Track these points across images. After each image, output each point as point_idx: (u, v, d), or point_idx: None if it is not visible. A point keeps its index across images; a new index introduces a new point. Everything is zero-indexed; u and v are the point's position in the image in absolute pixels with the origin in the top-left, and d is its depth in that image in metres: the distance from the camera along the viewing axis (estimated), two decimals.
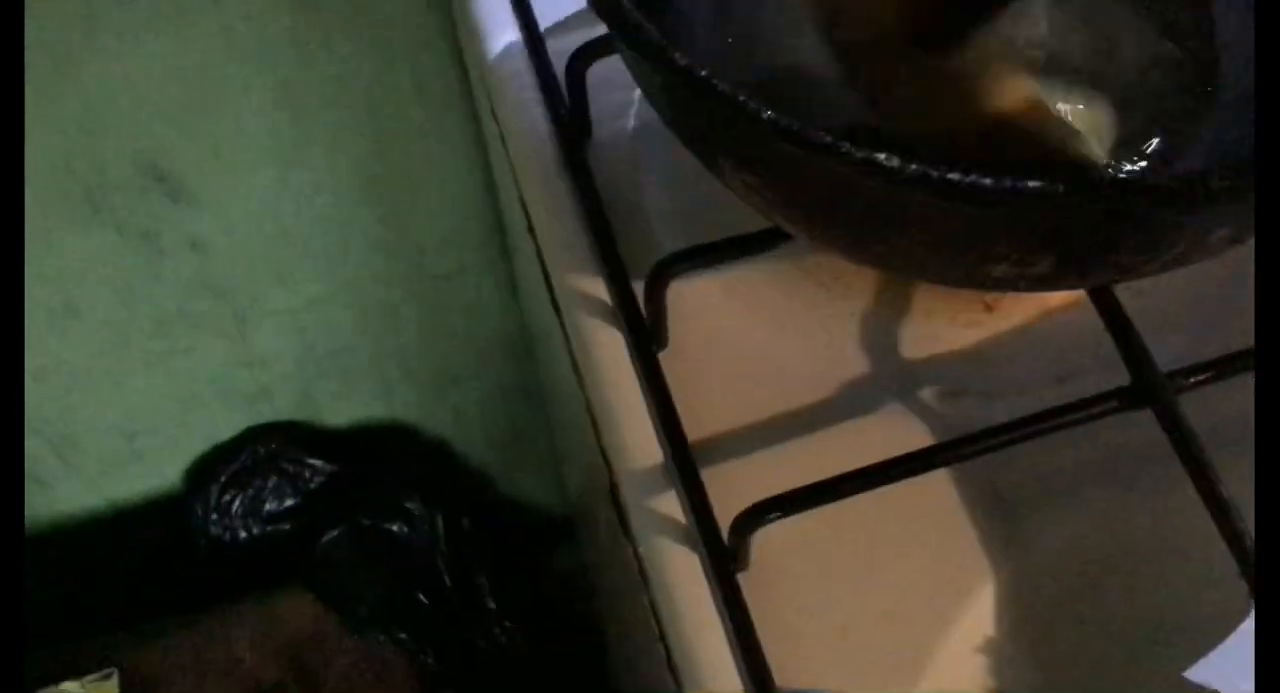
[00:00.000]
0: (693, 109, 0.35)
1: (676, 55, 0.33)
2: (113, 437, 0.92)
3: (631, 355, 0.45)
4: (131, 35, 0.67)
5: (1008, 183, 0.30)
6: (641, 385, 0.45)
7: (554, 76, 0.50)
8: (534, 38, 0.51)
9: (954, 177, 0.30)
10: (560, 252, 0.48)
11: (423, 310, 0.92)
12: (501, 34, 0.52)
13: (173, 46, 0.68)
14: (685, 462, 0.42)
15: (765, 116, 0.31)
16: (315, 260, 0.85)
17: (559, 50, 0.50)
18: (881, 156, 0.31)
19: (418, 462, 1.03)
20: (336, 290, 0.88)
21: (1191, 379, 0.40)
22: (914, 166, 0.30)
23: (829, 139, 0.31)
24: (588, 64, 0.47)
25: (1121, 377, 0.41)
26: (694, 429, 0.44)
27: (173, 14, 0.67)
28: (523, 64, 0.51)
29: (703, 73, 0.32)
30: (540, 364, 0.87)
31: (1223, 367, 0.40)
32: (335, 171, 0.78)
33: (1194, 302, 0.45)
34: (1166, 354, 0.41)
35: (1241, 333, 0.42)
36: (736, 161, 0.35)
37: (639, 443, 0.44)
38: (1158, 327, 0.42)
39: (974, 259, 0.34)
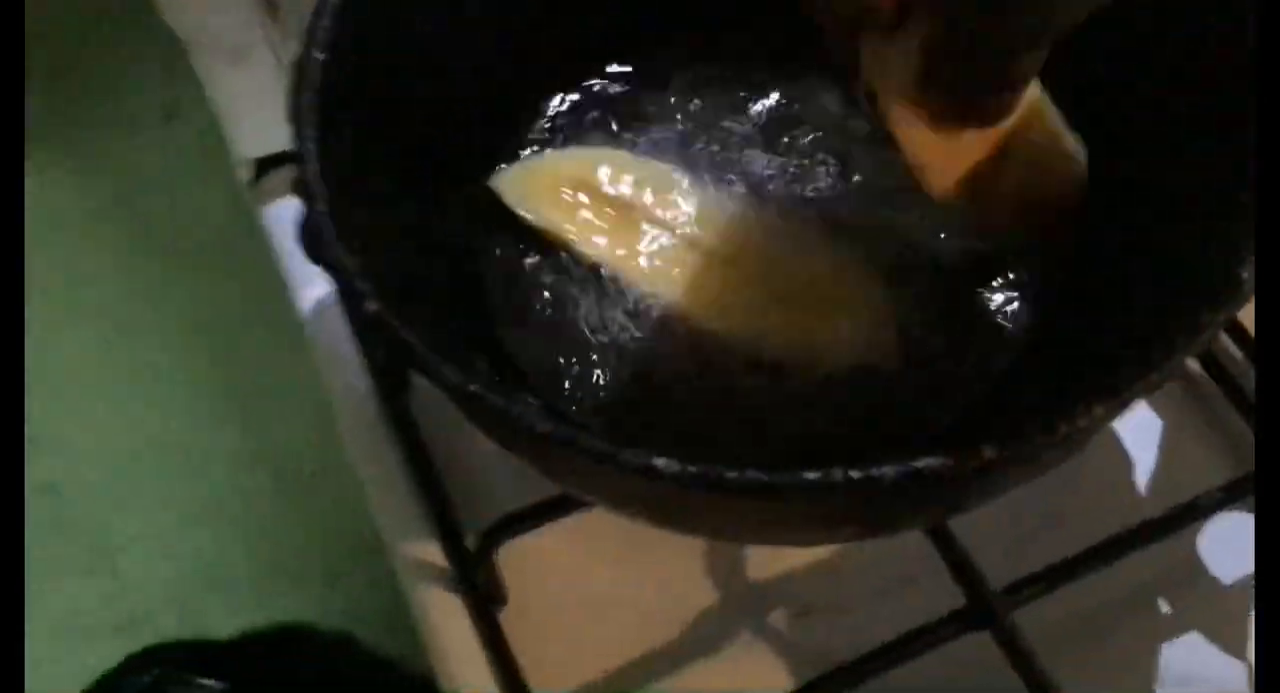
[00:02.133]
0: (474, 417, 0.34)
1: (448, 370, 0.32)
2: None
3: (471, 619, 0.44)
4: None
5: (787, 478, 0.30)
6: (484, 650, 0.43)
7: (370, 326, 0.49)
8: (346, 292, 0.50)
9: (732, 475, 0.30)
10: (391, 513, 0.47)
11: (295, 512, 0.90)
12: (312, 286, 0.52)
13: None
14: None
15: (540, 430, 0.31)
16: (175, 482, 0.82)
17: None
18: (660, 462, 0.30)
19: (317, 662, 0.99)
20: (202, 507, 0.85)
21: (1026, 593, 0.40)
22: (693, 469, 0.30)
23: (604, 447, 0.30)
24: None
25: None
26: (542, 689, 0.42)
27: None
28: (335, 318, 0.50)
29: (472, 387, 0.32)
30: None
31: (1052, 578, 0.40)
32: (184, 396, 0.77)
33: (1025, 506, 0.45)
34: (1001, 561, 0.41)
35: (1075, 534, 0.42)
36: (533, 463, 0.34)
37: None
38: (990, 535, 0.42)
39: (778, 533, 0.34)
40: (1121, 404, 0.31)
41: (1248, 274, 0.32)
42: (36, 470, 0.76)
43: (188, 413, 0.77)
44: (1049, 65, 0.32)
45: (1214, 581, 0.45)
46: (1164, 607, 0.45)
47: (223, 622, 0.94)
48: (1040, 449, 0.31)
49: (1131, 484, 0.47)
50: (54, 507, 0.78)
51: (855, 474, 0.30)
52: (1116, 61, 0.40)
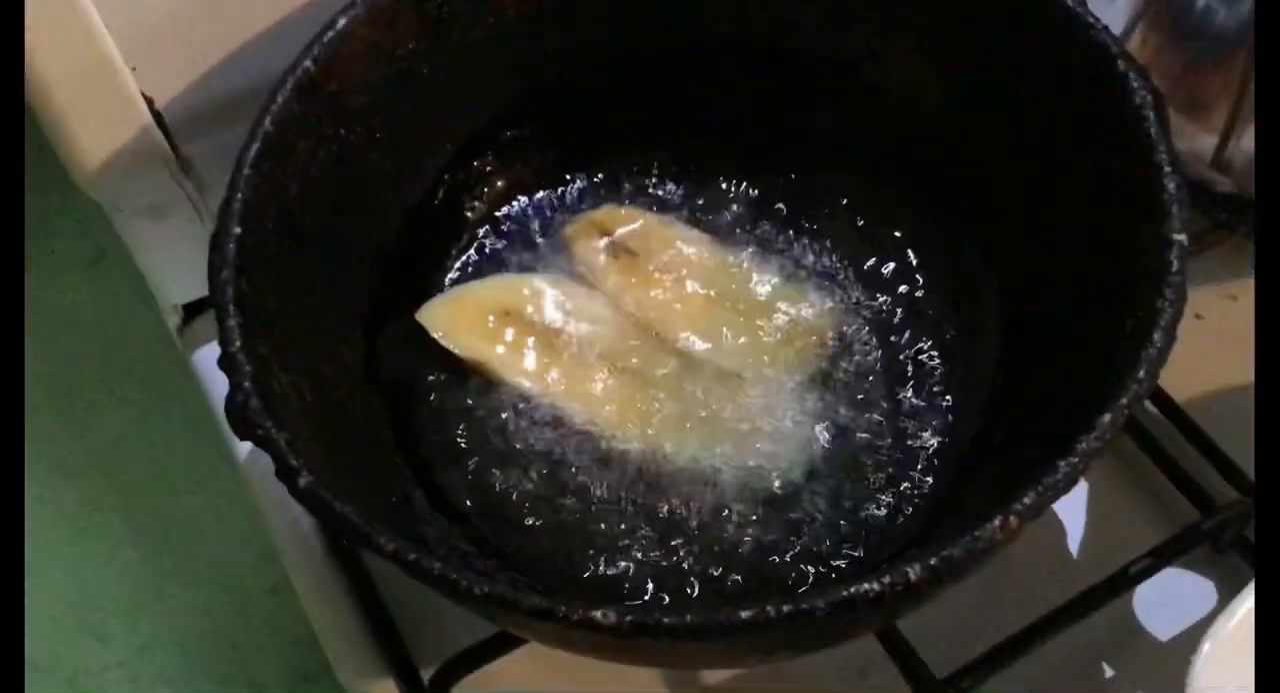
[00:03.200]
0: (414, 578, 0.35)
1: (382, 539, 0.33)
2: None
3: None
4: None
5: (722, 619, 0.31)
6: None
7: None
8: None
9: (668, 620, 0.31)
10: (343, 655, 0.47)
11: (257, 625, 0.89)
12: None
13: None
14: None
15: (479, 593, 0.32)
16: (131, 610, 0.82)
17: None
18: (597, 614, 0.31)
19: None
20: (161, 631, 0.85)
21: (969, 680, 0.41)
22: (630, 619, 0.31)
23: (542, 604, 0.31)
24: None
25: None
26: None
27: None
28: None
29: (410, 556, 0.32)
30: None
31: (994, 661, 0.42)
32: (130, 527, 0.76)
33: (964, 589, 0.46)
34: (945, 648, 0.43)
35: (1005, 615, 0.43)
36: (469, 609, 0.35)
37: None
38: (935, 622, 0.43)
39: (722, 661, 0.34)
40: (1037, 510, 0.33)
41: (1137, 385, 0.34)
42: None
43: (136, 546, 0.76)
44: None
45: (1152, 639, 0.46)
46: (1107, 670, 0.46)
47: None
48: (965, 563, 0.32)
49: (1065, 550, 0.48)
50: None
51: (788, 609, 0.31)
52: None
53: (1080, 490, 0.49)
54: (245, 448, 0.52)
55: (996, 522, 0.32)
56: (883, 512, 0.42)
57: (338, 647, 0.47)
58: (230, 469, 0.72)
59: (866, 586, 0.31)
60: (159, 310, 0.59)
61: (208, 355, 0.54)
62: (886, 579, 0.31)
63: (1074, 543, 0.48)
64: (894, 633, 0.42)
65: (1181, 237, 0.36)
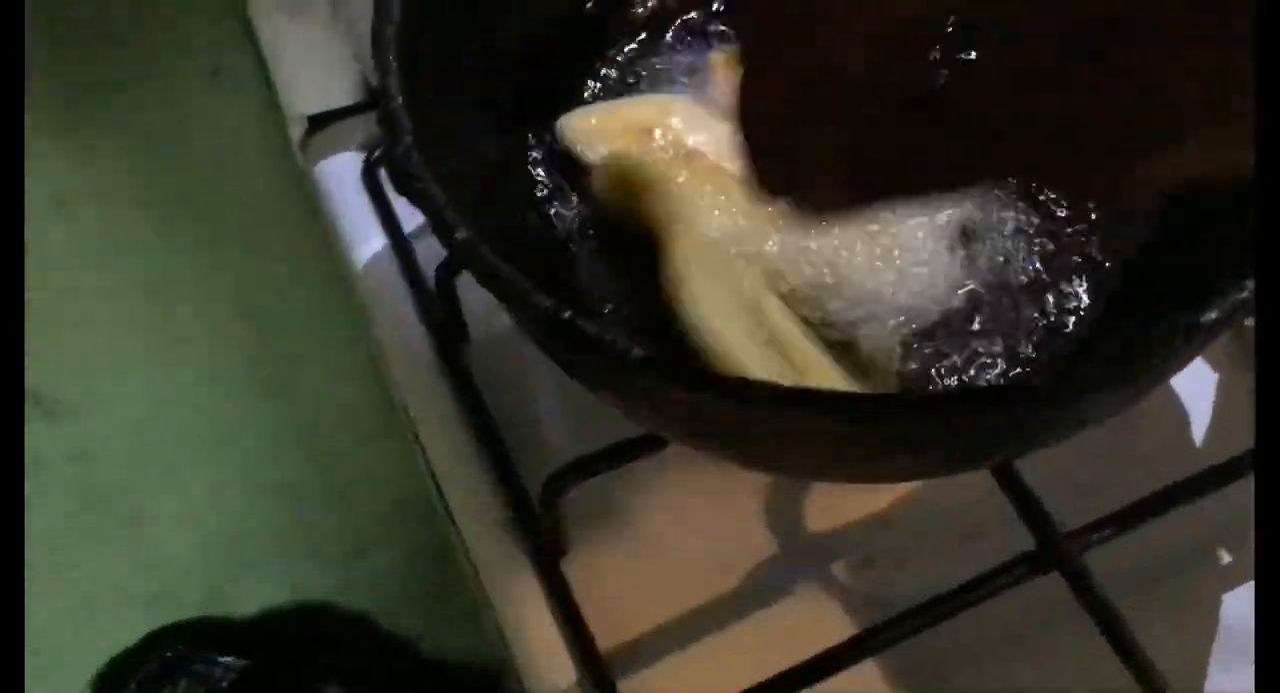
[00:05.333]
0: (560, 348, 0.34)
1: (538, 298, 0.32)
2: None
3: (534, 569, 0.44)
4: None
5: (890, 400, 0.30)
6: (547, 600, 0.43)
7: (425, 283, 0.49)
8: (402, 246, 0.50)
9: (825, 395, 0.30)
10: (450, 465, 0.47)
11: (323, 486, 0.90)
12: (368, 242, 0.52)
13: (26, 265, 0.67)
14: (603, 681, 0.41)
15: (635, 357, 0.31)
16: (204, 452, 0.82)
17: (429, 255, 0.50)
18: (753, 383, 0.30)
19: (337, 640, 0.99)
20: (229, 479, 0.85)
21: (1095, 537, 0.40)
22: (785, 392, 0.30)
23: (701, 374, 0.31)
24: (457, 273, 0.46)
25: (1023, 527, 0.41)
26: (605, 638, 0.42)
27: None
28: (392, 272, 0.50)
29: (565, 315, 0.32)
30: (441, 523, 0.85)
31: (1122, 521, 0.41)
32: (215, 364, 0.76)
33: (1087, 454, 0.45)
34: (1066, 509, 0.41)
35: (1135, 482, 0.42)
36: (613, 396, 0.34)
37: (552, 663, 0.42)
38: (1054, 483, 0.42)
39: (864, 465, 0.34)
40: (1217, 328, 0.31)
41: None
42: (67, 439, 0.75)
43: (221, 382, 0.77)
44: None
45: None
46: (1224, 557, 0.45)
47: (246, 596, 0.94)
48: (1143, 368, 0.31)
49: (1188, 438, 0.47)
50: (84, 475, 0.78)
51: (956, 393, 0.30)
52: None
53: (1209, 379, 0.48)
54: (364, 259, 0.51)
55: (1183, 321, 0.30)
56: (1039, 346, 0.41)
57: (443, 459, 0.47)
58: (331, 307, 0.73)
59: (1040, 380, 0.30)
60: (279, 123, 0.58)
61: (329, 168, 0.54)
62: (1060, 377, 0.30)
63: (1199, 430, 0.47)
64: (1017, 482, 0.41)
65: None
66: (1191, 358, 0.32)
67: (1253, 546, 0.45)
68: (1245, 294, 0.31)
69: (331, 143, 0.54)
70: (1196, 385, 0.48)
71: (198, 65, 0.61)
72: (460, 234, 0.33)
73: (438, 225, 0.34)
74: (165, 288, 0.70)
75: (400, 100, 0.35)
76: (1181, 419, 0.47)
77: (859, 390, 0.38)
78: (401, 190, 0.35)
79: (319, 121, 0.55)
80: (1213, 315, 0.31)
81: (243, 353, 0.76)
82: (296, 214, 0.64)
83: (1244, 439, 0.44)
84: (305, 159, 0.55)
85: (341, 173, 0.53)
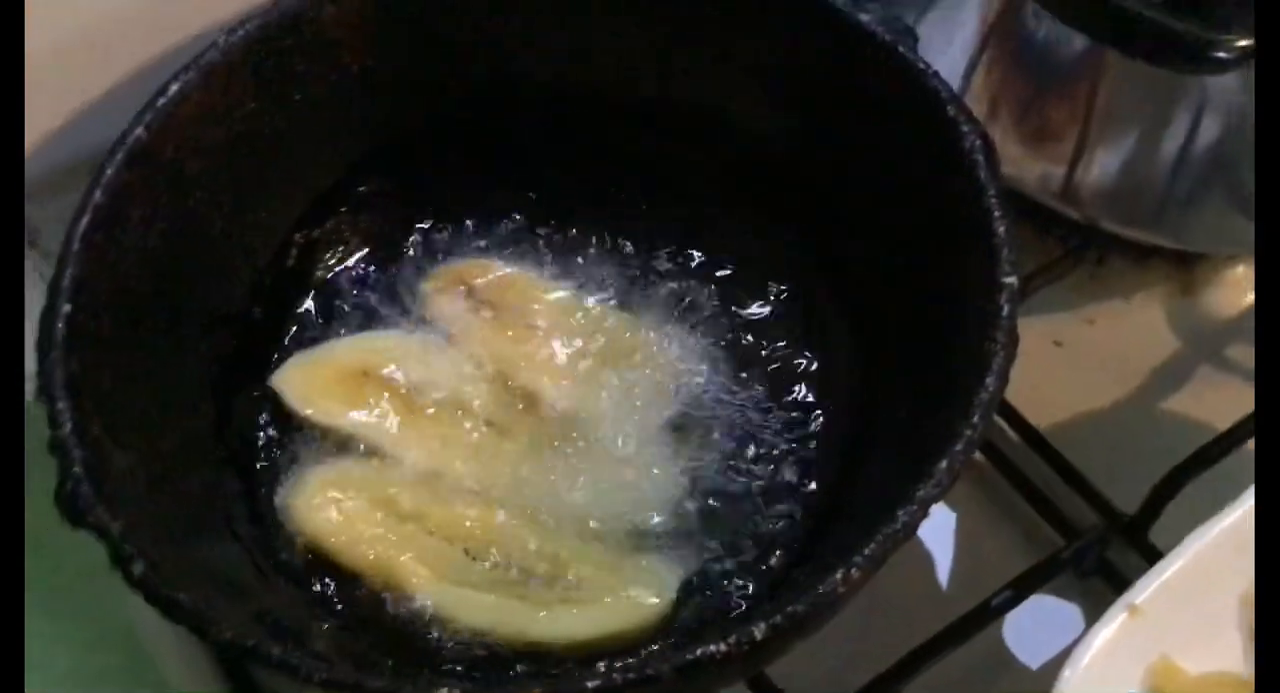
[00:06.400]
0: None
1: (222, 629, 0.32)
2: None
3: None
4: None
5: (570, 687, 0.30)
6: None
7: None
8: None
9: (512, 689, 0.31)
10: None
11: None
12: None
13: None
14: None
15: (320, 678, 0.31)
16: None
17: None
18: (443, 691, 0.31)
19: None
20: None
21: None
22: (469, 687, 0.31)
23: (387, 685, 0.31)
24: None
25: None
26: None
27: None
28: None
29: (249, 643, 0.32)
30: None
31: None
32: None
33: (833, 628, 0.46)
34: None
35: (874, 653, 0.44)
36: None
37: None
38: (795, 670, 0.43)
39: None
40: (877, 560, 0.33)
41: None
42: None
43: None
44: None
45: (1023, 667, 0.47)
46: None
47: None
48: (810, 617, 0.32)
49: (933, 580, 0.49)
50: None
51: (632, 675, 0.31)
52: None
53: (947, 519, 0.50)
54: None
55: (838, 575, 0.32)
56: (747, 556, 0.42)
57: None
58: None
59: (713, 647, 0.31)
60: None
61: None
62: (733, 639, 0.31)
63: (942, 572, 0.49)
64: (761, 677, 0.42)
65: (1011, 280, 0.36)
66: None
67: (1005, 686, 0.47)
68: (898, 526, 0.33)
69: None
70: (937, 527, 0.50)
71: None
72: (136, 569, 0.33)
73: (115, 559, 0.33)
74: None
75: (68, 428, 0.35)
76: (926, 565, 0.49)
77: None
78: (74, 524, 0.34)
79: None
80: (866, 552, 0.32)
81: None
82: None
83: (988, 580, 0.46)
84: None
85: None
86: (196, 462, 0.41)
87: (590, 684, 0.30)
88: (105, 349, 0.38)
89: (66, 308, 0.37)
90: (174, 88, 0.41)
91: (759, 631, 0.31)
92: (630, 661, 0.31)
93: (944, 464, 0.34)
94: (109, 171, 0.40)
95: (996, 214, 0.38)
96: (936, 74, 0.41)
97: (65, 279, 0.38)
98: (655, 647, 0.38)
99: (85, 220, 0.39)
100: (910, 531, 0.33)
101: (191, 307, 0.43)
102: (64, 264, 0.38)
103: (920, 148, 0.41)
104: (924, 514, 0.33)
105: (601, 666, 0.31)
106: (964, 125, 0.39)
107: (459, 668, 0.39)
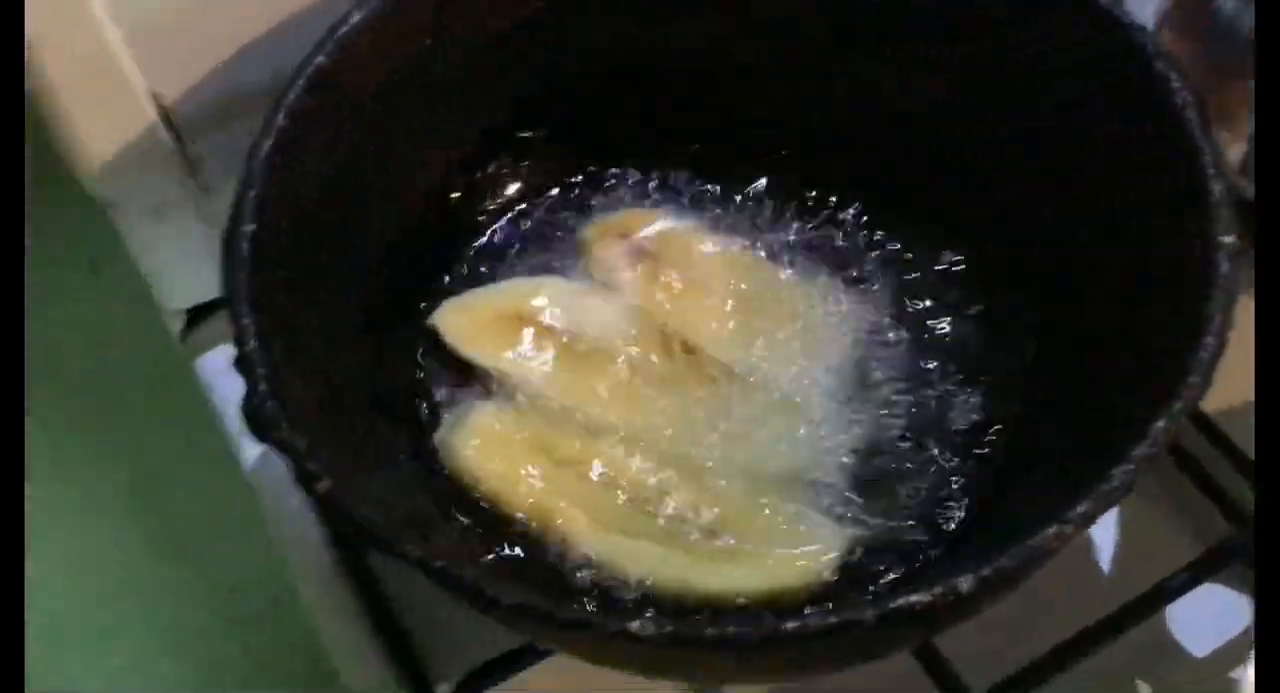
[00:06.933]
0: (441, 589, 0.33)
1: (407, 547, 0.31)
2: None
3: None
4: None
5: (765, 630, 0.29)
6: None
7: None
8: None
9: (710, 632, 0.29)
10: (355, 670, 0.45)
11: (255, 640, 0.88)
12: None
13: None
14: None
15: (510, 603, 0.30)
16: (130, 620, 0.80)
17: None
18: (635, 625, 0.30)
19: None
20: (158, 642, 0.83)
21: None
22: (669, 630, 0.29)
23: (582, 614, 0.30)
24: None
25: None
26: None
27: None
28: (283, 470, 0.49)
29: (438, 564, 0.31)
30: None
31: (1029, 679, 0.41)
32: (130, 537, 0.75)
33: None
34: (977, 671, 0.41)
35: (1040, 634, 0.42)
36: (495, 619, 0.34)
37: None
38: (963, 646, 0.42)
39: (758, 676, 0.33)
40: (1091, 517, 0.31)
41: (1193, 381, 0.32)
42: None
43: (135, 555, 0.75)
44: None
45: (1188, 657, 0.45)
46: (1143, 688, 0.45)
47: None
48: (1017, 573, 0.31)
49: (1097, 567, 0.47)
50: None
51: (833, 620, 0.29)
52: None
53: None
54: (252, 455, 0.50)
55: (1052, 530, 0.31)
56: (921, 515, 0.41)
57: (348, 661, 0.46)
58: (232, 479, 0.71)
59: (917, 597, 0.29)
60: (158, 317, 0.57)
61: (211, 361, 0.53)
62: (937, 590, 0.30)
63: (1105, 559, 0.47)
64: (930, 649, 0.41)
65: (1230, 239, 0.35)
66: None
67: (1169, 674, 0.45)
68: (1115, 485, 0.31)
69: (212, 335, 0.53)
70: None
71: (75, 257, 0.59)
72: (322, 485, 0.32)
73: (299, 475, 0.33)
74: (71, 470, 0.69)
75: (254, 343, 0.35)
76: (1089, 552, 0.47)
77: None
78: (260, 439, 0.34)
79: (198, 314, 0.54)
80: (1081, 509, 0.31)
81: (155, 528, 0.74)
82: (182, 408, 0.63)
83: (1154, 568, 0.44)
84: (185, 352, 0.54)
85: (224, 366, 0.52)
86: (358, 396, 0.41)
87: (789, 626, 0.29)
88: (284, 271, 0.38)
89: (250, 227, 0.37)
90: (355, 17, 0.41)
91: (965, 583, 0.30)
92: (828, 606, 0.30)
93: (1160, 424, 0.32)
94: (291, 96, 0.39)
95: (1211, 172, 0.36)
96: (1142, 28, 0.39)
97: (249, 199, 0.37)
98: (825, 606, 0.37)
99: (269, 142, 0.38)
100: (1125, 491, 0.32)
101: (361, 239, 0.42)
102: (248, 184, 0.37)
103: (1119, 107, 0.39)
104: (1139, 475, 0.32)
105: (805, 611, 0.29)
106: (1174, 81, 0.38)
107: None
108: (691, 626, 0.30)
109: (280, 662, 0.88)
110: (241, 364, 0.34)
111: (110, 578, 0.76)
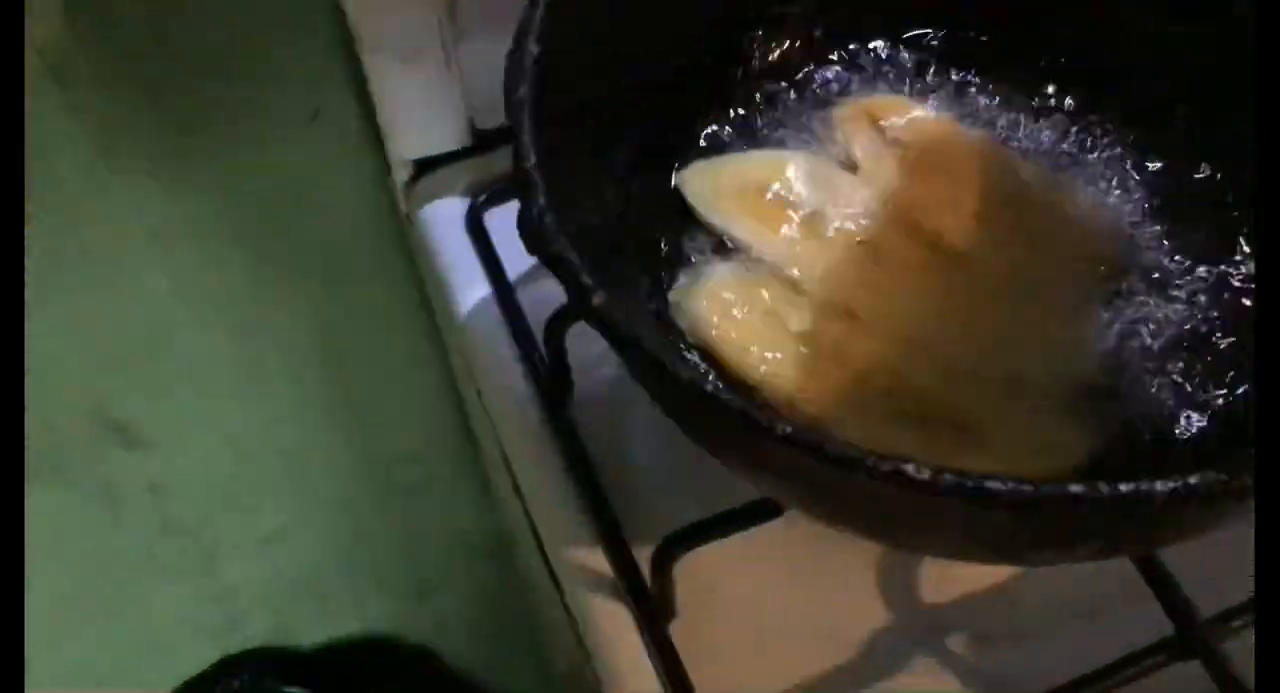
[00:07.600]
0: (699, 420, 0.33)
1: (680, 368, 0.31)
2: (80, 684, 0.88)
3: (640, 631, 0.43)
4: (76, 289, 0.65)
5: (1055, 491, 0.28)
6: (654, 663, 0.42)
7: (530, 333, 0.48)
8: (506, 294, 0.50)
9: (993, 485, 0.29)
10: (554, 521, 0.46)
11: (393, 523, 0.89)
12: (471, 289, 0.51)
13: (121, 298, 0.66)
14: None
15: (782, 432, 0.30)
16: (279, 489, 0.82)
17: (534, 303, 0.49)
18: (910, 468, 0.29)
19: (399, 675, 0.99)
20: (303, 515, 0.85)
21: (1234, 624, 0.38)
22: (948, 477, 0.29)
23: (854, 453, 0.29)
24: (566, 326, 0.45)
25: (1153, 608, 0.40)
26: None
27: (120, 267, 0.65)
28: (495, 321, 0.49)
29: (708, 387, 0.31)
30: (520, 564, 0.84)
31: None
32: (294, 401, 0.76)
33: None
34: (1200, 590, 0.40)
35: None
36: (748, 468, 0.33)
37: None
38: (1189, 563, 0.40)
39: (1009, 552, 0.32)
40: None
41: None
42: (147, 470, 0.75)
43: (296, 419, 0.76)
44: None
45: None
46: None
47: (313, 628, 0.93)
48: None
49: None
50: (161, 506, 0.78)
51: (1125, 489, 0.28)
52: None
53: None
54: (469, 306, 0.50)
55: None
56: (1176, 426, 0.39)
57: (547, 515, 0.46)
58: (417, 347, 0.72)
59: (1214, 475, 0.28)
60: (374, 168, 0.58)
61: (433, 214, 0.53)
62: (1231, 481, 0.28)
63: None
64: (1159, 569, 0.39)
65: None
66: None
67: None
68: None
69: (436, 188, 0.54)
70: None
71: (297, 104, 0.60)
72: (597, 299, 0.32)
73: (573, 290, 0.33)
74: (254, 326, 0.70)
75: (533, 160, 0.34)
76: None
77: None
78: (536, 253, 0.34)
79: (425, 166, 0.54)
80: None
81: (321, 392, 0.75)
82: (390, 260, 0.64)
83: None
84: (409, 204, 0.55)
85: (446, 219, 0.53)
86: (606, 238, 0.41)
87: (1076, 490, 0.28)
88: (557, 96, 0.37)
89: (535, 48, 0.37)
90: None
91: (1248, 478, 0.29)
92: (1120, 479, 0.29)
93: None
94: None
95: None
96: None
97: (534, 21, 0.37)
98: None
99: None
100: None
101: (627, 86, 0.42)
102: (534, 7, 0.37)
103: None
104: None
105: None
106: None
107: None
108: (970, 476, 0.29)
109: (420, 539, 0.90)
110: (521, 179, 0.34)
111: (267, 448, 0.78)
